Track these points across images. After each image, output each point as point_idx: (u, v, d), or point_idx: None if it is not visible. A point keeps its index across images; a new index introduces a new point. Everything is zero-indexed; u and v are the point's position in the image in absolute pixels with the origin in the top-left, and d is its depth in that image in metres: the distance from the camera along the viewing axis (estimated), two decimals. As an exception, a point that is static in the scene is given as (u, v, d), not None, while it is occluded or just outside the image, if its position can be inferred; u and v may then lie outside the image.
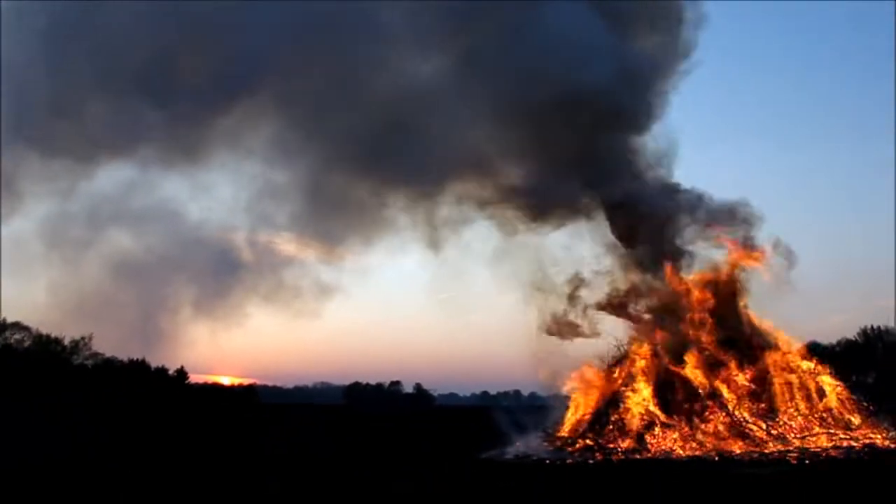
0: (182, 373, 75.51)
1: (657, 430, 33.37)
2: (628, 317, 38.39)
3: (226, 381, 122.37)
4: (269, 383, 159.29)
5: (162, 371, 72.34)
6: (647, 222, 37.59)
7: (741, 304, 37.45)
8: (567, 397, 37.81)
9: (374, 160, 41.67)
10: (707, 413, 33.72)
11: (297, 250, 49.03)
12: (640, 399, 34.51)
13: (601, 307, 38.01)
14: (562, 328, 37.74)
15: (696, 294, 36.63)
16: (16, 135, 45.21)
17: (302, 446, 37.20)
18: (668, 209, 37.71)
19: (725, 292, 37.08)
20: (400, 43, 41.89)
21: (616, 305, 38.12)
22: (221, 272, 50.91)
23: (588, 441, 34.12)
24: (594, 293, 38.38)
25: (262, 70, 42.98)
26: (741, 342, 36.27)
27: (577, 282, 38.16)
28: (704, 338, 35.72)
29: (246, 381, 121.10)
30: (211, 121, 45.37)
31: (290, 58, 42.43)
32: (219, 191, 50.48)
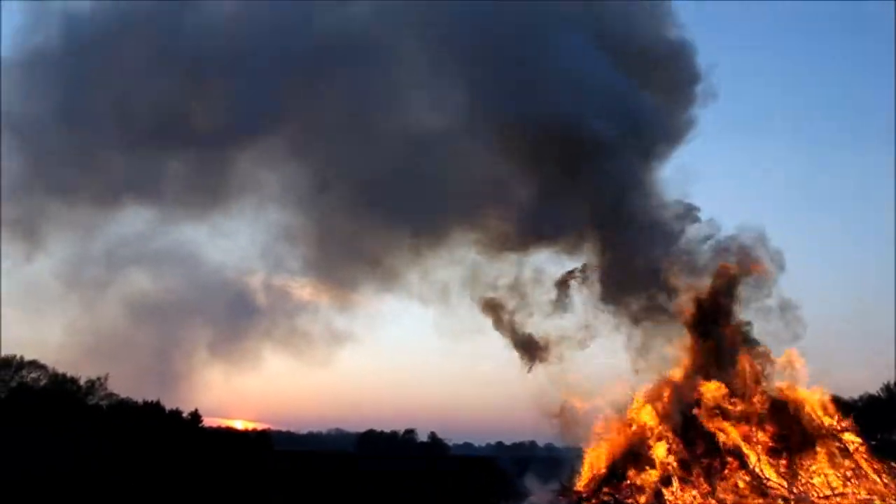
0: (196, 416, 75.24)
1: (675, 486, 32.65)
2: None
3: (239, 425, 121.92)
4: (283, 428, 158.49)
5: (176, 413, 72.11)
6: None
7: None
8: (583, 449, 37.23)
9: (386, 206, 41.94)
10: (727, 469, 32.99)
11: (313, 296, 49.00)
12: (658, 454, 33.84)
13: None
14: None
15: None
16: (35, 180, 45.95)
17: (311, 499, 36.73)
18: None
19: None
20: (413, 88, 42.57)
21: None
22: (237, 316, 51.08)
23: (604, 497, 33.45)
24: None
25: (276, 115, 43.67)
26: (760, 397, 35.61)
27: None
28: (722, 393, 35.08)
29: (260, 426, 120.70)
30: (227, 166, 46.02)
31: (303, 102, 43.14)
32: (235, 235, 50.63)
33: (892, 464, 34.24)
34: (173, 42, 43.77)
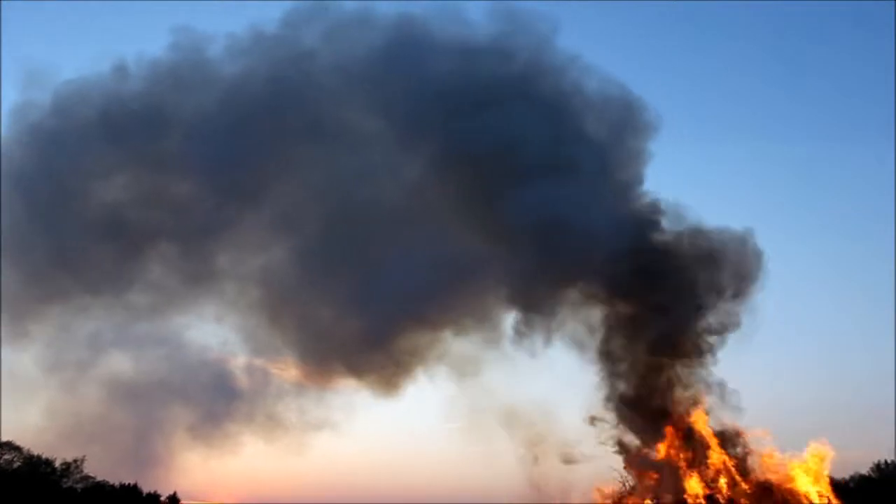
0: (174, 498, 73.29)
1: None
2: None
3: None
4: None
5: (154, 496, 70.31)
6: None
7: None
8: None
9: (372, 296, 42.42)
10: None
11: (296, 379, 48.62)
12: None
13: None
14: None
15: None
16: (17, 276, 46.07)
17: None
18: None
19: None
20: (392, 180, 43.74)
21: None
22: (217, 398, 50.48)
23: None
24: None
25: (253, 199, 44.43)
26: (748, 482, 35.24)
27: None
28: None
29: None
30: (207, 254, 46.52)
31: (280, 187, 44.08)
32: (215, 319, 50.56)
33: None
34: (146, 136, 44.91)
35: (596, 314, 43.72)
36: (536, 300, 41.92)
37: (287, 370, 48.60)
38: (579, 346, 42.55)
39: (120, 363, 53.20)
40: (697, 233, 43.93)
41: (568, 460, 39.05)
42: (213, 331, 52.63)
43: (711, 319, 42.77)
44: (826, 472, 37.38)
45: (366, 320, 43.65)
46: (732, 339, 43.13)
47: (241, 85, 48.03)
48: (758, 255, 43.09)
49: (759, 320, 43.82)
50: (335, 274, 43.91)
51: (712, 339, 41.98)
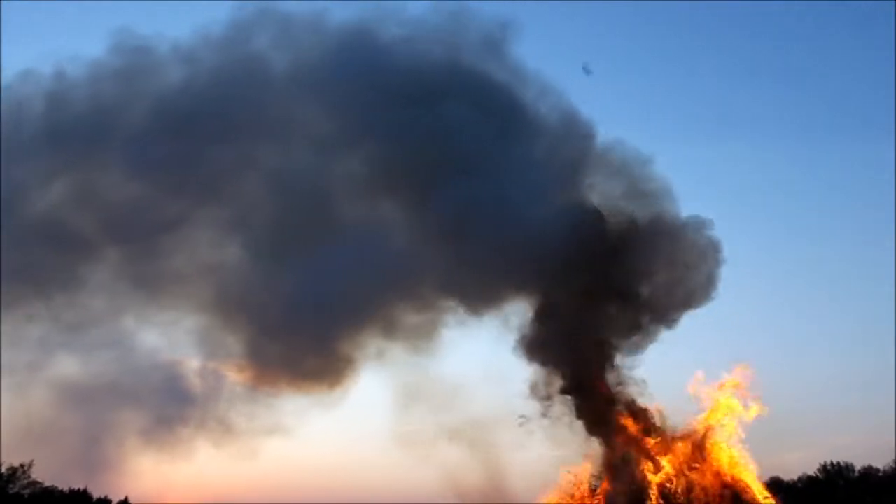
0: (126, 503, 72.31)
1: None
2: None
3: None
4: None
5: (105, 501, 69.25)
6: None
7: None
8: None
9: (329, 294, 42.44)
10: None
11: (247, 381, 48.26)
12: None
13: None
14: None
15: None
16: None
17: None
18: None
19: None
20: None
21: None
22: (169, 401, 49.77)
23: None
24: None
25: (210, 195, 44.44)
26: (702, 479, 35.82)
27: None
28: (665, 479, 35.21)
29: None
30: (155, 255, 46.27)
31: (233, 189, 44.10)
32: (166, 321, 50.00)
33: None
34: (89, 138, 44.61)
35: (533, 306, 43.86)
36: (473, 295, 42.39)
37: (238, 373, 48.20)
38: (518, 337, 42.61)
39: (69, 366, 52.21)
40: (647, 223, 44.18)
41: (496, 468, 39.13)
42: (164, 333, 51.91)
43: (651, 308, 42.90)
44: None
45: (306, 320, 43.67)
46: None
47: (186, 85, 47.89)
48: (714, 246, 43.20)
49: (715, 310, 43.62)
50: (280, 274, 43.85)
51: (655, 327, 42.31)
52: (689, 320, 44.55)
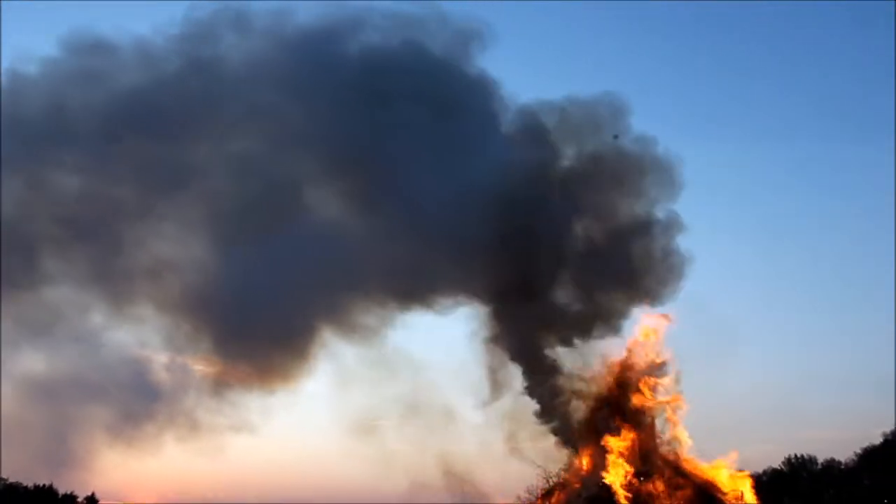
0: (93, 499, 71.65)
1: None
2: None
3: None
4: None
5: (71, 497, 68.65)
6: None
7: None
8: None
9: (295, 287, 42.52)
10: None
11: (213, 377, 48.08)
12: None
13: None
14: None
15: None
16: None
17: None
18: None
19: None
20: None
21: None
22: (135, 397, 49.37)
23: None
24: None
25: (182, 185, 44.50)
26: (671, 469, 36.31)
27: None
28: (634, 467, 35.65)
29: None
30: (121, 249, 46.17)
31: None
32: (134, 317, 49.64)
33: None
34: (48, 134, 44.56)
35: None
36: (414, 291, 42.76)
37: (203, 367, 48.01)
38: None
39: (34, 362, 51.55)
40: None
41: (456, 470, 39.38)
42: (130, 329, 51.47)
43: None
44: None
45: (266, 315, 43.82)
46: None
47: (145, 82, 47.82)
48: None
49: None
50: (239, 269, 43.84)
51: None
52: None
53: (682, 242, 43.02)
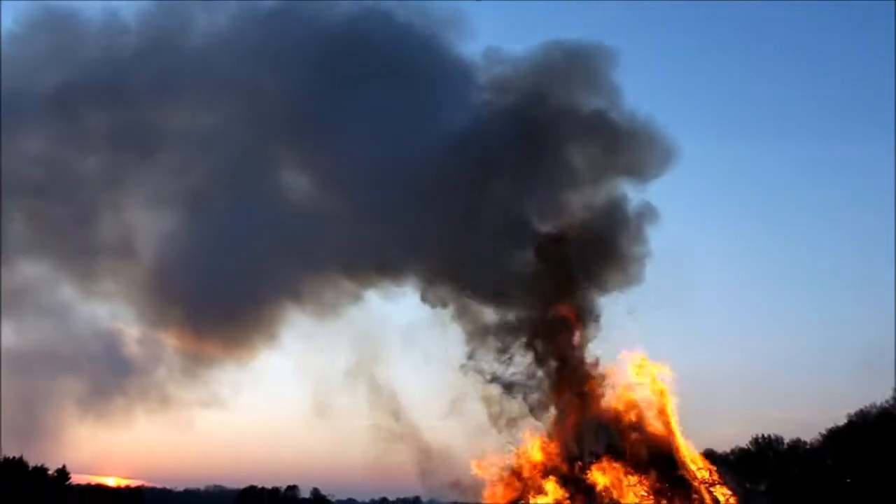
0: (63, 473, 71.18)
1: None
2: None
3: (112, 482, 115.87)
4: (158, 485, 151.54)
5: (41, 470, 68.16)
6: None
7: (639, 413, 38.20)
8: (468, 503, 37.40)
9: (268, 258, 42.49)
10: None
11: (186, 350, 47.95)
12: (540, 506, 34.28)
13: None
14: None
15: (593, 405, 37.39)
16: None
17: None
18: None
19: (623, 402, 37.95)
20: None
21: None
22: (107, 370, 49.17)
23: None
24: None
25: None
26: (640, 450, 36.72)
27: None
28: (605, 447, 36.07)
29: (133, 483, 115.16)
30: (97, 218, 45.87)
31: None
32: (105, 290, 49.21)
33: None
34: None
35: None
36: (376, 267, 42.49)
37: (174, 341, 47.85)
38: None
39: (4, 335, 51.05)
40: None
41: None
42: (101, 302, 51.11)
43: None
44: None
45: (231, 287, 43.79)
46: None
47: (114, 50, 47.34)
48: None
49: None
50: (208, 240, 43.71)
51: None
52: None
53: (658, 220, 42.67)
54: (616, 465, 35.76)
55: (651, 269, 41.75)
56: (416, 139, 41.41)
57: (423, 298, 42.42)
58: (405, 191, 40.00)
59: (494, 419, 38.47)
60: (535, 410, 38.96)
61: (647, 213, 41.94)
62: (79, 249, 47.72)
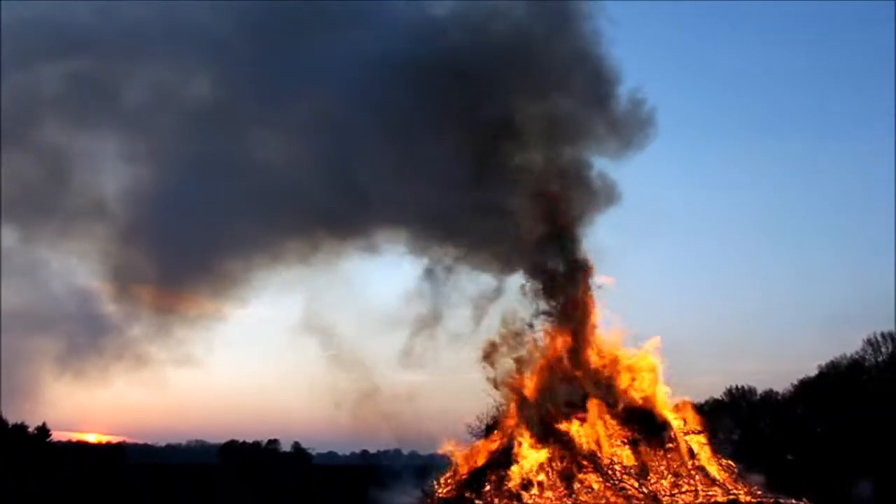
0: (44, 430, 71.40)
1: (534, 489, 33.63)
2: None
3: (92, 438, 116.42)
4: (140, 441, 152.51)
5: (21, 428, 68.34)
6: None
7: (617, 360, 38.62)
8: (448, 457, 37.78)
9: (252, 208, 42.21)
10: (582, 472, 34.24)
11: (169, 303, 47.74)
12: (518, 459, 34.75)
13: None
14: None
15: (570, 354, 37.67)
16: None
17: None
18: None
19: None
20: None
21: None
22: (89, 326, 48.92)
23: (466, 502, 34.03)
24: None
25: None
26: (617, 401, 37.20)
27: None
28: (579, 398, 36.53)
29: (114, 440, 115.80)
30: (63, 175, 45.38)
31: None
32: (80, 245, 48.81)
33: (731, 461, 36.76)
34: None
35: None
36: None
37: (149, 298, 47.62)
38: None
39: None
40: None
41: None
42: (76, 260, 50.64)
43: None
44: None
45: (204, 240, 43.70)
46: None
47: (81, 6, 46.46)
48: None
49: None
50: (180, 193, 43.41)
51: None
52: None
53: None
54: (594, 415, 36.19)
55: (623, 217, 41.17)
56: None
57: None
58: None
59: (484, 362, 38.37)
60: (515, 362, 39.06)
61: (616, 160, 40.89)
62: (49, 207, 47.32)
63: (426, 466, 39.50)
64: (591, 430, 35.48)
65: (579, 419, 35.63)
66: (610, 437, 35.42)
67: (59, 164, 46.88)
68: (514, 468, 34.43)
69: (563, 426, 35.49)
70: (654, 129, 39.96)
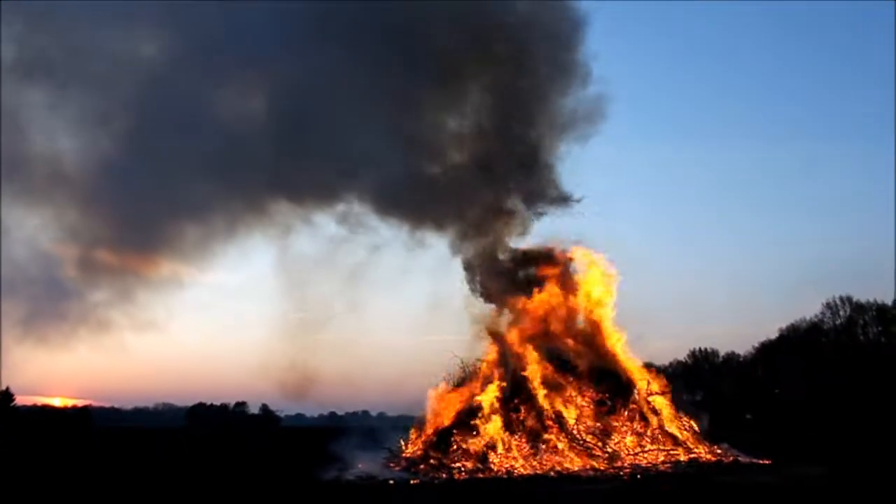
0: (7, 394, 70.77)
1: (500, 449, 34.04)
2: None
3: (57, 402, 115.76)
4: (107, 405, 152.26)
5: (-17, 392, 67.67)
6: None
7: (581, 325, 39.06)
8: (414, 417, 38.05)
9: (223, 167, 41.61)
10: (548, 433, 34.72)
11: (134, 265, 47.22)
12: (484, 419, 35.10)
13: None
14: None
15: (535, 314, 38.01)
16: None
17: (135, 472, 35.69)
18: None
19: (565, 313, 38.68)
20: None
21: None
22: (52, 288, 48.21)
23: (432, 461, 34.35)
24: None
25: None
26: (582, 363, 37.63)
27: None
28: (546, 360, 36.90)
29: (80, 403, 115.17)
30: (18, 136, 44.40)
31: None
32: (40, 206, 47.92)
33: (693, 421, 37.42)
34: None
35: None
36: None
37: (113, 261, 47.06)
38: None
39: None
40: None
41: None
42: (36, 223, 49.74)
43: None
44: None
45: (169, 199, 43.26)
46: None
47: None
48: None
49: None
50: (144, 158, 42.77)
51: None
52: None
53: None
54: (557, 374, 36.63)
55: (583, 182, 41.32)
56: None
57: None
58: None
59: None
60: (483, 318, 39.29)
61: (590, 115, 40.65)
62: (9, 165, 46.35)
63: (394, 427, 39.75)
64: (559, 391, 35.98)
65: (545, 378, 36.09)
66: (576, 397, 35.93)
67: (15, 126, 45.81)
68: (481, 428, 34.80)
69: (530, 387, 35.91)
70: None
